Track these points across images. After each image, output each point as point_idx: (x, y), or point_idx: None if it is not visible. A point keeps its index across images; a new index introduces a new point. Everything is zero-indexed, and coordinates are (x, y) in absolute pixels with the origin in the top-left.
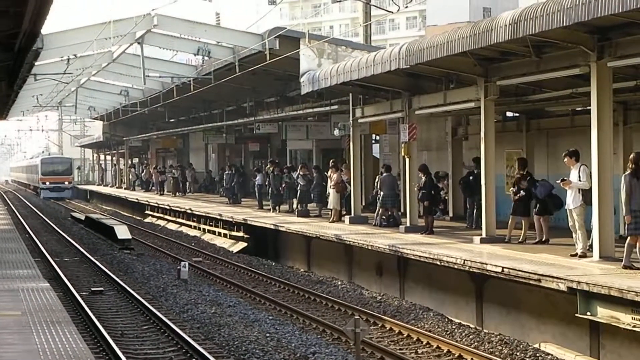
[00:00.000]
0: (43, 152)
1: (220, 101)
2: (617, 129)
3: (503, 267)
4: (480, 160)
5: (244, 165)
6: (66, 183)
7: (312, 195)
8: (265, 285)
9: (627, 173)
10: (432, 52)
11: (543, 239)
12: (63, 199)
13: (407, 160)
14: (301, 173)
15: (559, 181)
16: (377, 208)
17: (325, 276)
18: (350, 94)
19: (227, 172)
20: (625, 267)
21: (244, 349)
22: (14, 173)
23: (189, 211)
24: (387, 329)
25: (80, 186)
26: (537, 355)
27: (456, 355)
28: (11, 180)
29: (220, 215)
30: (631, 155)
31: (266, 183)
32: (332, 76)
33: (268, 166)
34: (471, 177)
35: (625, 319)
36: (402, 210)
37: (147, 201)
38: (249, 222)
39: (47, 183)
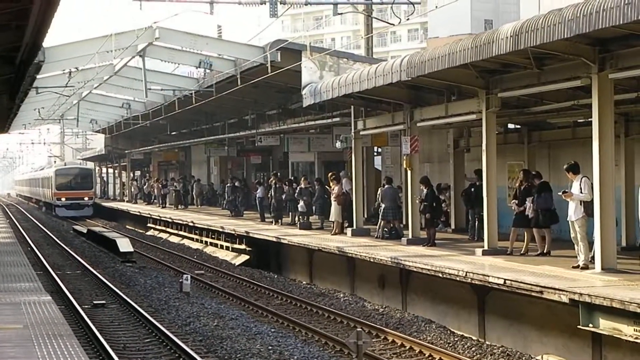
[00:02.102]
0: (55, 161)
1: (222, 114)
2: (618, 141)
3: (505, 279)
4: (482, 172)
5: (245, 177)
6: (86, 199)
7: (313, 207)
8: (267, 297)
9: None
10: (433, 64)
11: (544, 251)
12: (83, 219)
13: (409, 172)
14: (303, 186)
15: (560, 193)
16: (379, 220)
17: (327, 289)
18: (352, 106)
19: (228, 184)
20: None
21: None
22: (20, 187)
23: (191, 224)
24: (390, 341)
25: None
26: None
27: None
28: (16, 195)
29: (222, 228)
30: None
31: (268, 196)
32: (333, 88)
33: (271, 179)
34: (473, 189)
35: (627, 331)
36: (404, 222)
37: (149, 214)
38: (251, 235)
39: (63, 199)
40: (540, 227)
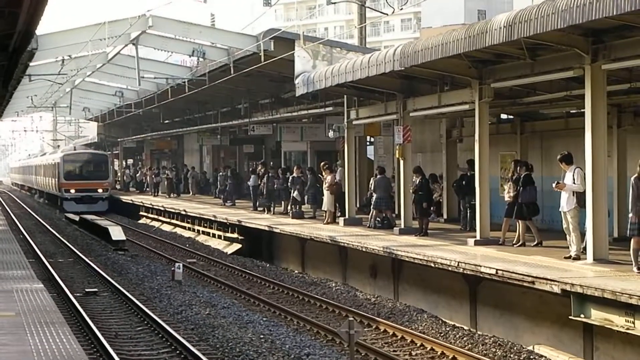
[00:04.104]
0: (59, 146)
1: (214, 102)
2: (611, 132)
3: (497, 269)
4: (475, 163)
5: (238, 166)
6: (100, 191)
7: (306, 197)
8: (259, 286)
9: (635, 176)
10: (426, 54)
11: (522, 242)
12: (98, 215)
13: (401, 162)
14: (295, 175)
15: (554, 184)
16: (371, 210)
17: (319, 278)
18: (345, 96)
19: (221, 173)
20: None
21: (238, 350)
22: (17, 175)
23: (183, 212)
24: (381, 330)
25: None
26: (531, 357)
27: (450, 357)
28: (11, 183)
29: (214, 216)
30: None
31: (260, 184)
32: (326, 78)
33: (259, 168)
34: (464, 180)
35: (618, 321)
36: (396, 212)
37: (141, 202)
38: (243, 224)
39: (73, 191)
40: (524, 219)
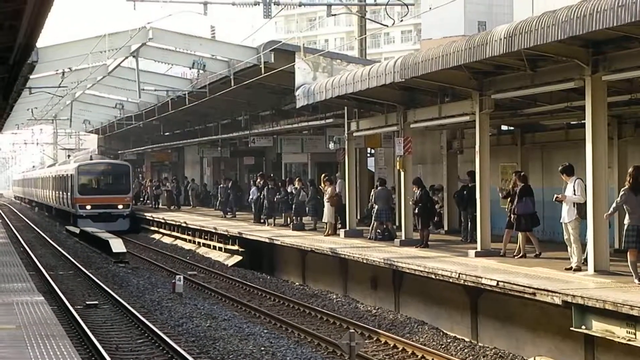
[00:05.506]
0: (69, 155)
1: (215, 114)
2: (611, 143)
3: (498, 281)
4: (475, 174)
5: (238, 178)
6: (120, 207)
7: (306, 208)
8: (260, 298)
9: (625, 187)
10: (427, 65)
11: (523, 253)
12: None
13: (402, 173)
14: (297, 186)
15: (554, 197)
16: (372, 221)
17: (320, 290)
18: (346, 108)
19: (222, 185)
20: None
21: None
22: (19, 187)
23: (184, 225)
24: (382, 342)
25: None
26: None
27: None
28: (14, 197)
29: (215, 228)
30: (630, 169)
31: (261, 196)
32: (327, 90)
33: (258, 180)
34: (465, 191)
35: (620, 333)
36: (397, 223)
37: (141, 215)
38: (244, 236)
39: (89, 207)
40: (522, 231)
